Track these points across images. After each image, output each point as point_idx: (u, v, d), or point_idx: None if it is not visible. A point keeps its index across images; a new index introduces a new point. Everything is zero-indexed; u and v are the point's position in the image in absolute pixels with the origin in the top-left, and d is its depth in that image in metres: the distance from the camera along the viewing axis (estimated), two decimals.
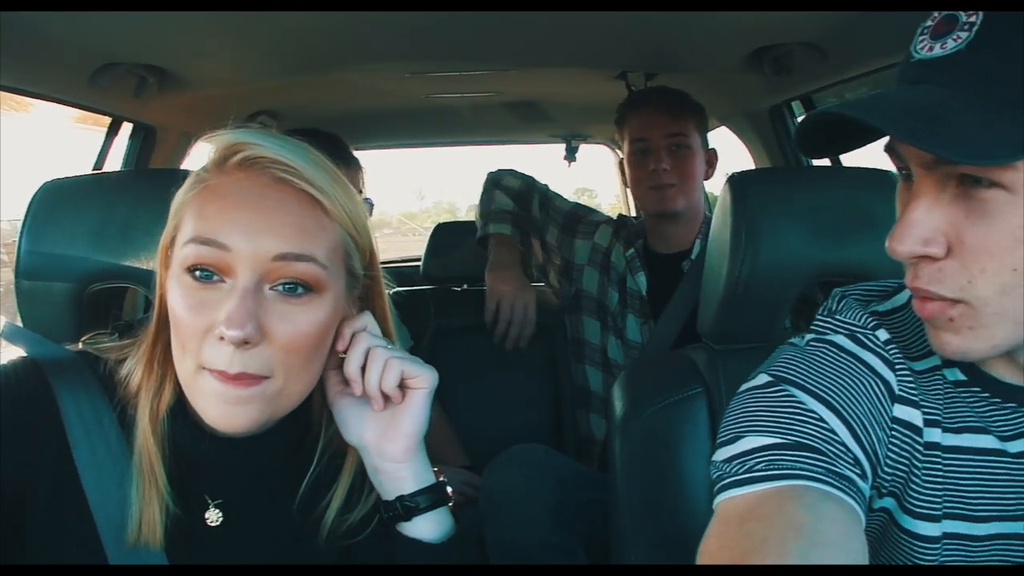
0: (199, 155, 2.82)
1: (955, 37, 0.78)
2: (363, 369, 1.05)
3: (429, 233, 2.97)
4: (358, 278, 1.06)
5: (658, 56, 2.29)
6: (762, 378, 0.97)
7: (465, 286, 2.94)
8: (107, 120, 2.33)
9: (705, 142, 2.38)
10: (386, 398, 1.04)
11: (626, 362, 2.38)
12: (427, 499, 1.06)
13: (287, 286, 0.96)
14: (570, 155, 3.81)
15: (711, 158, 2.40)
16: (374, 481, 1.08)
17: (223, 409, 0.96)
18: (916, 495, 0.94)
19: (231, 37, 1.86)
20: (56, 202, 1.36)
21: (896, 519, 0.95)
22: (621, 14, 1.77)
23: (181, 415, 1.03)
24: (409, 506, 1.05)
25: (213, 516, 1.06)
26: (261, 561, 1.07)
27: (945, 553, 0.94)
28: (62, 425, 1.01)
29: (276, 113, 2.96)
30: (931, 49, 0.81)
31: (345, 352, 1.06)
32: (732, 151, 2.99)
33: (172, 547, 1.01)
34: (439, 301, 2.82)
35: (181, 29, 1.74)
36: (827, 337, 1.00)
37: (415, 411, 1.05)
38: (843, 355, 0.97)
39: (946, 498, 0.93)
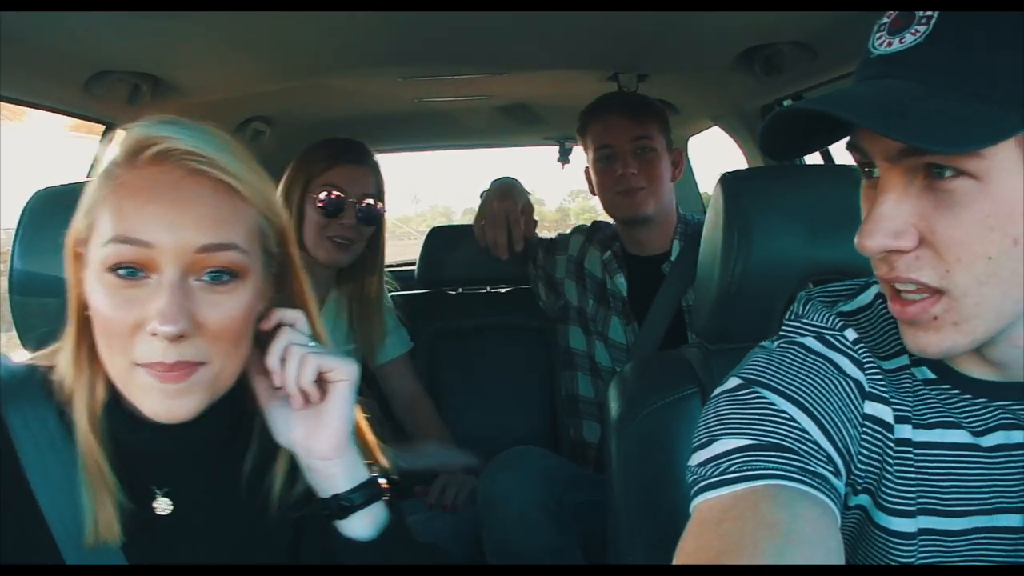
0: None
1: (913, 31, 0.79)
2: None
3: (424, 237, 2.98)
4: (274, 256, 1.08)
5: (649, 57, 2.30)
6: (733, 381, 0.98)
7: (460, 290, 2.95)
8: (101, 128, 2.33)
9: (669, 143, 2.38)
10: (308, 396, 1.05)
11: (613, 365, 2.39)
12: (361, 496, 1.07)
13: (212, 275, 0.98)
14: (563, 157, 3.81)
15: (676, 159, 2.40)
16: (309, 480, 1.08)
17: (164, 404, 0.98)
18: (889, 491, 0.95)
19: (224, 44, 1.87)
20: (50, 210, 1.34)
21: (872, 516, 0.96)
22: (612, 16, 1.78)
23: (116, 410, 1.03)
24: (344, 505, 1.06)
25: (162, 505, 1.07)
26: (215, 543, 1.09)
27: (922, 549, 0.94)
28: (10, 439, 1.02)
29: (269, 119, 2.96)
30: (890, 44, 0.81)
31: (266, 331, 1.08)
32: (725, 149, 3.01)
33: (127, 542, 1.03)
34: (434, 305, 2.83)
35: (174, 37, 1.74)
36: (795, 339, 1.01)
37: (338, 406, 1.05)
38: (812, 356, 0.98)
39: (920, 494, 0.94)
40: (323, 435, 1.05)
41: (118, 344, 0.96)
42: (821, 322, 1.01)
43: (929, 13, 0.78)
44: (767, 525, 0.79)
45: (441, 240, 2.89)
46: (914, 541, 0.94)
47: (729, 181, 1.42)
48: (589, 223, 2.68)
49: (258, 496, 1.10)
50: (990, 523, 0.92)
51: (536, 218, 2.75)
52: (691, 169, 3.65)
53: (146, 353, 0.95)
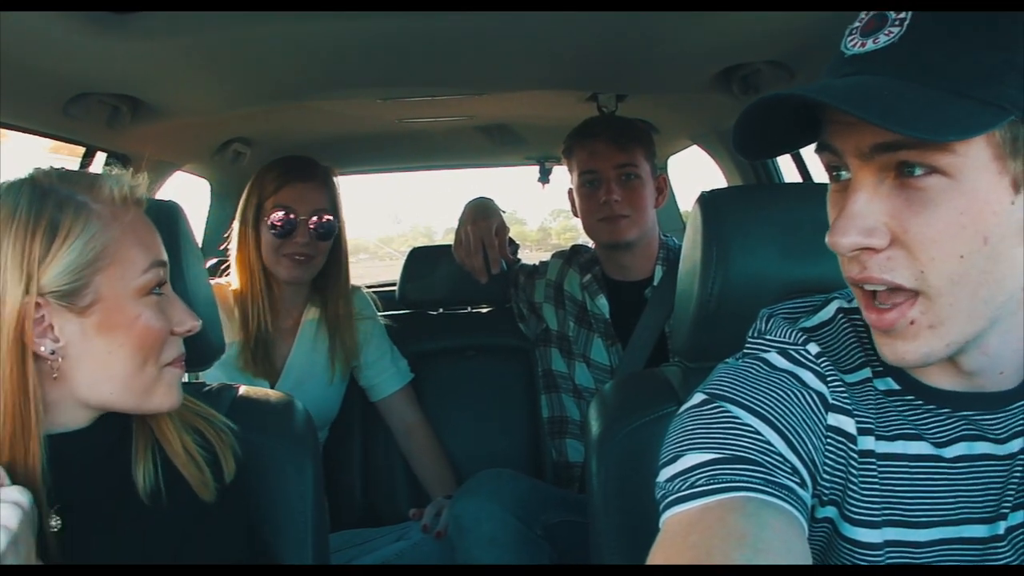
0: (173, 184, 2.83)
1: (887, 32, 0.81)
2: None
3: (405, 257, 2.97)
4: None
5: (628, 78, 2.31)
6: (698, 397, 0.99)
7: (441, 310, 2.95)
8: (81, 149, 2.32)
9: (654, 169, 2.39)
10: None
11: (596, 386, 2.40)
12: None
13: None
14: (543, 177, 3.82)
15: (661, 184, 2.41)
16: None
17: (178, 392, 1.20)
18: (854, 502, 0.96)
19: (203, 66, 1.87)
20: None
21: (839, 528, 0.97)
22: (591, 37, 1.79)
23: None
24: None
25: (53, 522, 1.09)
26: (107, 553, 1.13)
27: (889, 561, 0.95)
28: None
29: (249, 140, 2.96)
30: (863, 45, 0.83)
31: None
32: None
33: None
34: (415, 326, 2.83)
35: (153, 59, 1.74)
36: (759, 355, 1.02)
37: None
38: (775, 370, 0.99)
39: (885, 505, 0.95)
40: None
41: (154, 354, 1.14)
42: (784, 337, 1.03)
43: (903, 14, 0.80)
44: (735, 536, 0.80)
45: (421, 260, 2.89)
46: (880, 552, 0.95)
47: (707, 200, 1.43)
48: (570, 244, 2.70)
49: (146, 498, 1.17)
50: (956, 534, 0.94)
51: (517, 240, 2.77)
52: (671, 188, 3.67)
53: (171, 352, 1.18)
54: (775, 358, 1.01)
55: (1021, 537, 0.92)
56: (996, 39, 0.77)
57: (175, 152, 2.74)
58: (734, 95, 2.16)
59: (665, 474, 0.92)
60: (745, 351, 1.06)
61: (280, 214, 2.23)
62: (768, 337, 1.04)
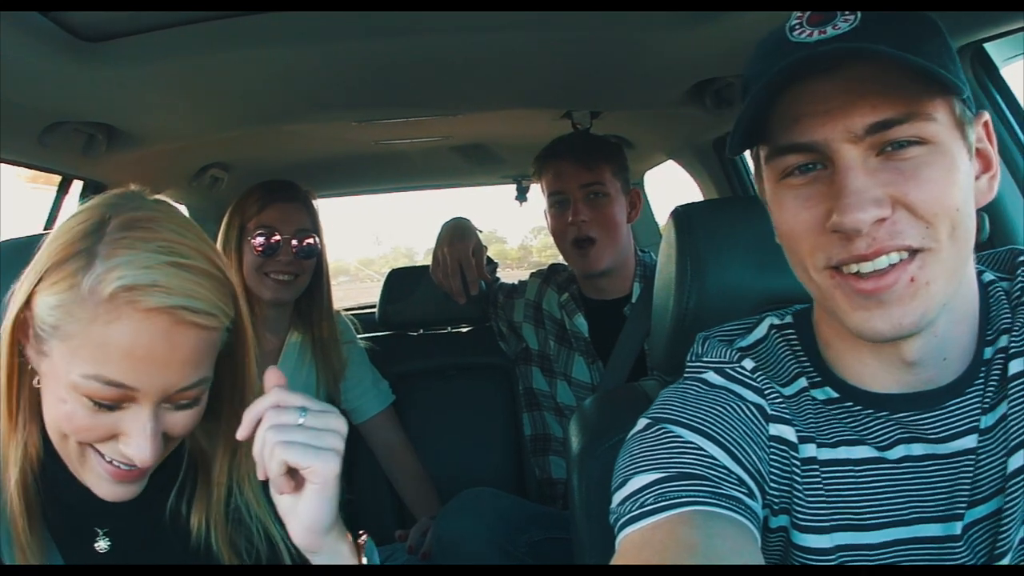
0: None
1: (844, 19, 0.88)
2: None
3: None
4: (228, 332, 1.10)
5: (601, 95, 2.33)
6: (642, 422, 1.02)
7: (421, 331, 2.95)
8: (58, 178, 2.32)
9: (626, 184, 2.38)
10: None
11: (577, 404, 2.39)
12: None
13: (185, 403, 1.04)
14: (521, 195, 3.83)
15: (634, 199, 2.41)
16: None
17: (113, 489, 1.04)
18: (801, 509, 0.97)
19: (177, 92, 1.87)
20: (7, 263, 1.33)
21: (790, 536, 0.99)
22: (564, 56, 1.81)
23: (53, 464, 1.05)
24: None
25: (102, 544, 1.09)
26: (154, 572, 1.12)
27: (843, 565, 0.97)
28: None
29: (227, 165, 2.97)
30: (822, 32, 0.88)
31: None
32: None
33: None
34: (396, 347, 2.83)
35: (126, 86, 1.74)
36: (697, 376, 1.06)
37: (310, 505, 1.00)
38: (713, 388, 1.03)
39: (832, 510, 0.97)
40: (295, 528, 1.02)
41: (80, 439, 1.01)
42: (719, 357, 1.06)
43: (849, 13, 0.87)
44: (686, 547, 0.82)
45: (400, 281, 2.90)
46: (832, 557, 0.96)
47: (681, 215, 1.44)
48: (550, 263, 2.70)
49: (187, 522, 1.14)
50: (909, 534, 0.95)
51: (499, 259, 2.77)
52: (648, 202, 3.69)
53: (110, 452, 1.02)
54: (712, 377, 1.04)
55: (977, 535, 0.94)
56: (932, 29, 0.88)
57: (152, 179, 2.73)
58: (707, 109, 2.18)
59: (616, 499, 0.95)
60: (685, 374, 1.10)
61: (263, 233, 2.24)
62: (705, 359, 1.08)
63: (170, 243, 1.00)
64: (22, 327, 1.01)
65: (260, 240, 2.24)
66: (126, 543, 1.10)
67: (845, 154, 0.87)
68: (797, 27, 0.89)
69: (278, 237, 2.24)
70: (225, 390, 1.13)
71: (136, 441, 0.99)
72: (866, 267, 0.87)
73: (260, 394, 1.02)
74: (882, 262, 0.87)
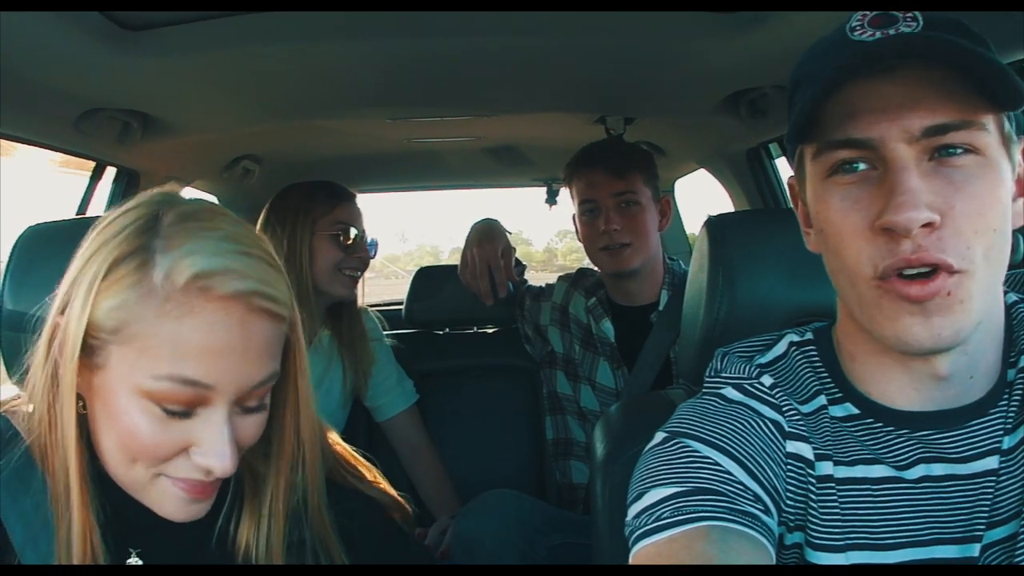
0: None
1: (908, 24, 0.87)
2: None
3: (411, 276, 2.98)
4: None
5: (636, 101, 2.32)
6: (659, 436, 1.02)
7: (447, 330, 2.95)
8: (91, 164, 2.34)
9: (656, 193, 2.37)
10: None
11: (601, 409, 2.39)
12: None
13: (254, 405, 1.00)
14: (551, 198, 3.83)
15: (664, 208, 2.39)
16: None
17: (184, 508, 0.99)
18: (816, 527, 0.96)
19: (214, 84, 1.88)
20: (40, 246, 1.33)
21: (806, 555, 0.98)
22: (600, 61, 1.80)
23: (99, 476, 0.99)
24: None
25: (134, 561, 1.05)
26: None
27: None
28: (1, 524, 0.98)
29: (259, 157, 2.98)
30: (886, 34, 0.87)
31: None
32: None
33: None
34: (421, 345, 2.83)
35: (164, 76, 1.75)
36: (716, 391, 1.06)
37: None
38: (731, 404, 1.02)
39: (848, 530, 0.95)
40: None
41: (147, 460, 0.96)
42: (738, 373, 1.06)
43: (911, 19, 0.86)
44: (701, 561, 0.82)
45: (428, 280, 2.90)
46: None
47: (714, 225, 1.43)
48: (575, 265, 2.70)
49: (226, 550, 1.09)
50: (927, 555, 0.94)
51: (524, 261, 2.77)
52: (677, 211, 3.67)
53: (183, 471, 0.97)
54: (730, 392, 1.04)
55: (994, 558, 0.92)
56: (985, 44, 0.87)
57: (185, 168, 2.75)
58: (742, 118, 2.17)
59: (632, 511, 0.95)
60: (703, 388, 1.09)
61: (342, 229, 2.28)
62: (724, 374, 1.08)
63: (233, 232, 0.98)
64: (64, 347, 0.95)
65: (345, 235, 2.28)
66: (157, 562, 1.06)
67: (901, 154, 0.85)
68: (858, 28, 0.88)
69: (355, 232, 2.29)
70: (279, 401, 1.09)
71: (214, 447, 0.94)
72: (912, 271, 0.86)
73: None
74: (922, 270, 0.86)
